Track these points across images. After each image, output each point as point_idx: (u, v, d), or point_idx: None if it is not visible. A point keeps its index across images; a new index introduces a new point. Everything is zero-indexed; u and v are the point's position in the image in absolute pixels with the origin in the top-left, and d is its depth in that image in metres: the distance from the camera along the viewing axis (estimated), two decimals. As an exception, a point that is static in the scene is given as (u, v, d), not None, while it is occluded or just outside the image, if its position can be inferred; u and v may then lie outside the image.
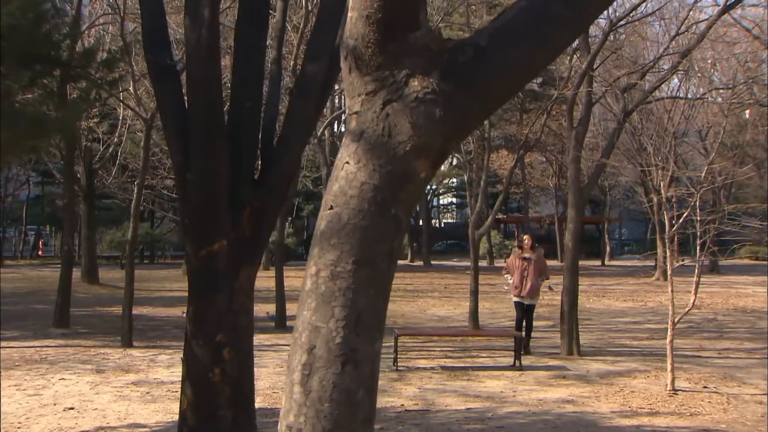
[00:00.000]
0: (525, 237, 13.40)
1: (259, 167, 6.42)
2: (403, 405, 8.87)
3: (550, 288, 22.32)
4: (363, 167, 2.31)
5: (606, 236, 47.65)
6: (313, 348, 2.31)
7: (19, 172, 40.03)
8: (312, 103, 6.30)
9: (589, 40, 13.69)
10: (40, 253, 44.08)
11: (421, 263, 39.94)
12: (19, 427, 7.70)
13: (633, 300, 22.23)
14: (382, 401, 9.03)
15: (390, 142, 2.30)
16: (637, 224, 56.39)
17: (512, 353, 11.44)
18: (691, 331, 15.52)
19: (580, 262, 39.97)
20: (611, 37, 15.76)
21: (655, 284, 27.92)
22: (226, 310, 6.00)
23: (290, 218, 49.06)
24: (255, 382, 9.88)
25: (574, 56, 15.91)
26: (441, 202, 68.04)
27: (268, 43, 8.93)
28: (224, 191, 5.91)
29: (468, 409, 8.74)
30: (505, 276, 13.23)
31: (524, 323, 12.64)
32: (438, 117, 2.28)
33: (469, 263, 33.95)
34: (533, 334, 13.09)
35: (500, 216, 56.39)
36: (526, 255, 12.69)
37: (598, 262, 42.97)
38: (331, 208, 2.35)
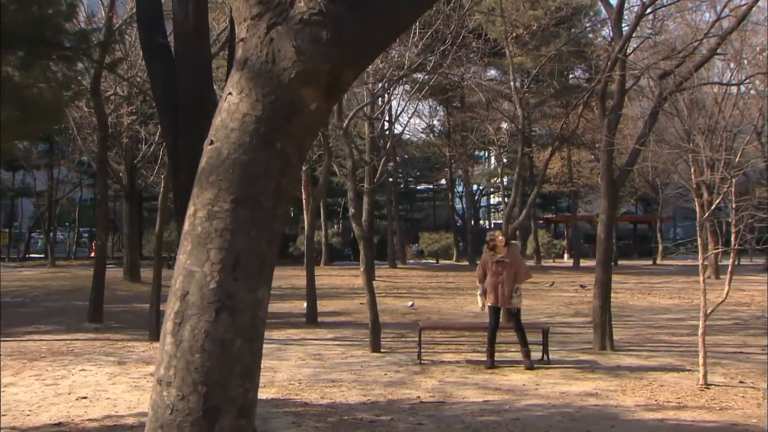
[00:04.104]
0: (497, 233, 10.89)
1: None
2: (419, 397, 8.63)
3: (583, 287, 21.91)
4: (245, 97, 2.10)
5: (658, 235, 46.44)
6: (186, 294, 2.10)
7: (71, 175, 40.92)
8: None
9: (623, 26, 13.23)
10: (92, 254, 44.92)
11: (466, 263, 39.48)
12: (28, 415, 7.70)
13: (679, 297, 21.53)
14: (399, 393, 8.84)
15: (274, 69, 2.09)
16: (691, 223, 54.87)
17: (541, 348, 11.09)
18: (736, 327, 14.94)
19: (632, 262, 39.28)
20: (649, 23, 15.24)
21: (706, 282, 27.01)
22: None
23: (338, 219, 49.18)
24: (273, 374, 9.87)
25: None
26: (490, 201, 67.29)
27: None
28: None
29: (485, 401, 8.44)
30: (478, 286, 11.04)
31: (516, 332, 10.64)
32: (325, 40, 2.06)
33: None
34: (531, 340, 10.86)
35: (549, 215, 55.64)
36: (500, 256, 10.54)
37: (650, 262, 41.98)
38: (212, 143, 2.15)
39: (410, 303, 19.68)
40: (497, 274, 10.50)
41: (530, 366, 10.31)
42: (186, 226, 2.17)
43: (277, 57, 2.09)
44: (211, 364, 2.04)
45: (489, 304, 10.70)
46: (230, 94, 2.15)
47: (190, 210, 2.16)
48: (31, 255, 43.03)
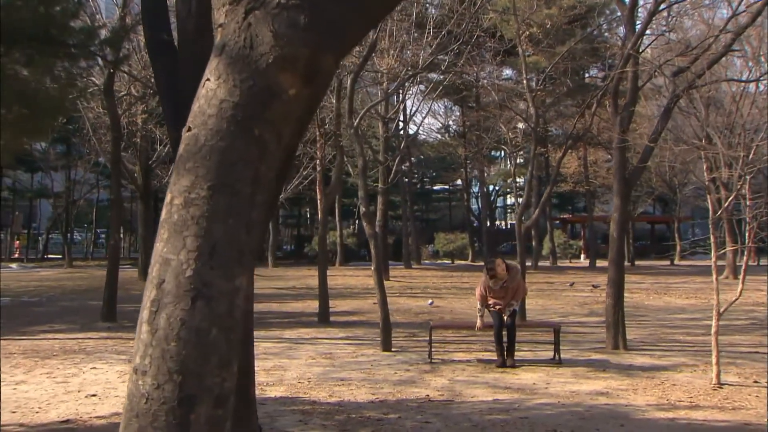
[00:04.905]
0: (497, 261, 10.77)
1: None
2: (428, 395, 8.59)
3: (595, 286, 21.98)
4: (223, 83, 2.08)
5: (677, 235, 46.02)
6: (162, 282, 2.08)
7: (88, 176, 41.22)
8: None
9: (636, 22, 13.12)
10: (110, 255, 45.10)
11: (482, 263, 39.31)
12: (37, 412, 7.74)
13: (696, 297, 21.33)
14: (408, 392, 8.80)
15: (252, 55, 2.06)
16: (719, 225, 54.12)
17: (552, 347, 11.02)
18: (753, 327, 14.80)
19: (649, 263, 38.91)
20: (664, 20, 15.09)
21: (723, 282, 26.70)
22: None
23: (354, 219, 49.22)
24: (283, 372, 9.87)
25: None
26: (507, 202, 67.08)
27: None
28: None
29: (495, 400, 8.39)
30: (478, 308, 10.94)
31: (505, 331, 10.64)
32: (303, 25, 2.04)
33: (530, 263, 33.60)
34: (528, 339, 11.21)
35: (566, 216, 55.37)
36: (502, 281, 10.57)
37: (668, 262, 41.64)
38: (190, 129, 2.13)
39: (430, 301, 20.13)
40: (500, 297, 10.66)
41: (513, 365, 10.36)
42: (163, 214, 2.16)
43: (255, 42, 2.07)
44: (186, 352, 2.01)
45: (492, 310, 10.80)
46: (208, 80, 2.14)
47: (168, 197, 2.15)
48: (50, 256, 43.39)
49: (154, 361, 2.02)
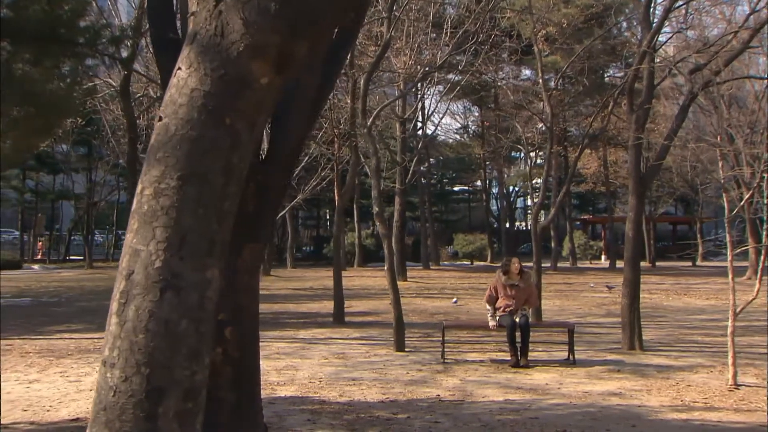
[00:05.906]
0: (513, 260, 11.17)
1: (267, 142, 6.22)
2: (438, 395, 8.53)
3: (609, 288, 21.93)
4: (194, 72, 2.05)
5: (699, 236, 45.46)
6: (131, 273, 2.04)
7: (110, 178, 41.54)
8: (315, 74, 6.04)
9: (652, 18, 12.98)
10: (130, 256, 45.28)
11: (500, 264, 39.09)
12: (48, 410, 7.78)
13: (716, 298, 21.05)
14: (419, 392, 8.75)
15: (223, 43, 2.03)
16: (734, 224, 53.50)
17: (567, 347, 10.91)
18: (773, 328, 14.54)
19: (671, 263, 38.44)
20: (682, 17, 14.93)
21: (746, 283, 26.36)
22: (227, 288, 5.80)
23: (373, 221, 49.21)
24: (294, 372, 9.85)
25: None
26: (527, 203, 66.72)
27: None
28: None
29: (506, 400, 8.31)
30: (488, 309, 11.06)
31: (519, 333, 10.58)
32: (273, 11, 1.99)
33: (549, 263, 33.36)
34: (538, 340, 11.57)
35: (586, 216, 54.98)
36: (514, 281, 10.80)
37: (689, 263, 41.15)
38: (161, 119, 2.10)
39: (454, 300, 20.31)
40: (510, 297, 10.72)
41: (526, 364, 10.29)
42: (134, 205, 2.13)
43: (226, 30, 2.04)
44: (155, 344, 1.98)
45: (502, 313, 10.79)
46: (179, 68, 2.10)
47: (138, 188, 2.12)
48: (71, 257, 43.77)
49: (122, 353, 1.98)
